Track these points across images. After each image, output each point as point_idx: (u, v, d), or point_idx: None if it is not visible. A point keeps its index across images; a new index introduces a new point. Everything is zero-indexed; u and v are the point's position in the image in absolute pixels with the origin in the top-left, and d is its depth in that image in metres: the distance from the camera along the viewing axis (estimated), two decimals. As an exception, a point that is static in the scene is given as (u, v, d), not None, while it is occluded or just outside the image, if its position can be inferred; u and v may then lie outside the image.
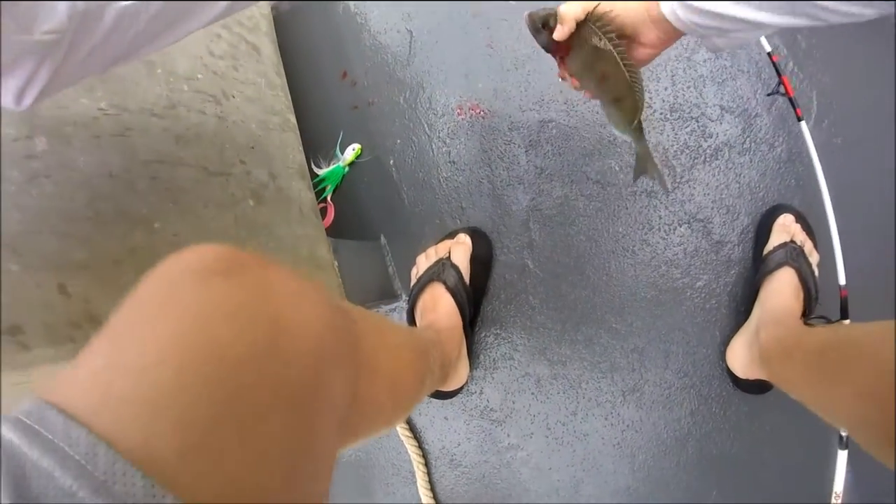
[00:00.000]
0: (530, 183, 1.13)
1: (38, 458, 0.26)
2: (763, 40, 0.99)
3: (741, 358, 0.94)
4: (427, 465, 1.14)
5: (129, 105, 0.70)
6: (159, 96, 0.76)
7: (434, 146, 1.21)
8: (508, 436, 1.10)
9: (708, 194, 1.04)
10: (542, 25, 0.70)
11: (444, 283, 1.00)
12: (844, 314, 0.90)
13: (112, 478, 0.26)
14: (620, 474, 1.04)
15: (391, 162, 1.24)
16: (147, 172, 0.68)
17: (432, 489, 1.14)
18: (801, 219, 0.98)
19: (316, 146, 1.26)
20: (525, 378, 1.10)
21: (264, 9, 1.14)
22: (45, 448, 0.27)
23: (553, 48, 0.72)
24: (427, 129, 1.22)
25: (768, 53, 0.98)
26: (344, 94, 1.31)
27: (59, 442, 0.27)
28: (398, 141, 1.24)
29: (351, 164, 1.27)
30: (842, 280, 0.90)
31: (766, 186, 1.03)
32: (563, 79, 0.78)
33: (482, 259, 1.10)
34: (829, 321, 0.86)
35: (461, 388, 1.09)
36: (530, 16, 0.71)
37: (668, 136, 1.07)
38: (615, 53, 0.67)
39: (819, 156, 0.95)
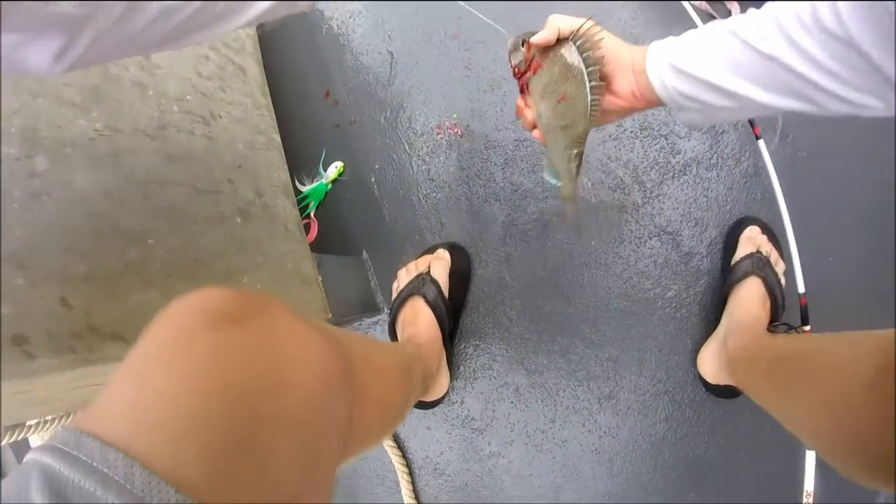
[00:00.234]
0: (506, 199, 1.17)
1: (80, 480, 0.29)
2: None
3: (711, 365, 0.97)
4: (411, 474, 1.16)
5: (123, 126, 0.73)
6: (151, 117, 0.78)
7: (414, 164, 1.25)
8: (489, 444, 1.13)
9: (677, 208, 1.09)
10: (522, 43, 0.68)
11: (424, 296, 1.03)
12: (805, 321, 0.95)
13: (149, 494, 0.29)
14: (599, 479, 1.07)
15: (372, 179, 1.27)
16: (140, 191, 0.71)
17: (417, 498, 1.15)
18: (766, 230, 1.02)
19: (300, 163, 1.29)
20: (504, 387, 1.13)
21: (250, 30, 1.17)
22: (86, 471, 0.30)
23: (523, 67, 0.69)
24: (407, 147, 1.26)
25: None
26: (327, 113, 1.34)
27: (97, 465, 0.30)
28: (379, 159, 1.27)
29: (334, 182, 1.29)
30: (801, 288, 0.95)
31: (733, 200, 1.08)
32: (518, 114, 0.74)
33: (461, 273, 1.13)
34: (790, 328, 0.89)
35: (442, 398, 1.12)
36: (514, 36, 0.69)
37: (637, 153, 1.11)
38: (584, 72, 0.63)
39: (781, 170, 1.00)
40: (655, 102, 0.64)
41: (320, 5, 1.37)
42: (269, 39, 1.35)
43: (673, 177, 1.10)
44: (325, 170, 1.29)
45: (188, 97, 0.88)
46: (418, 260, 1.12)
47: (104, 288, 0.60)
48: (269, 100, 1.14)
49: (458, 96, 1.24)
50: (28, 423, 0.70)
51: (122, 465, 0.30)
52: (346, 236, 1.28)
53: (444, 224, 1.20)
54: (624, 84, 0.64)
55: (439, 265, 1.09)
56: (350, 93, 1.33)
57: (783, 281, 0.96)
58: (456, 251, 1.15)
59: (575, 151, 0.69)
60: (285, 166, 1.09)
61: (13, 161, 0.57)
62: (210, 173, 0.86)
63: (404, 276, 1.10)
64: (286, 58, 1.39)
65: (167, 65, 0.86)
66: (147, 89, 0.80)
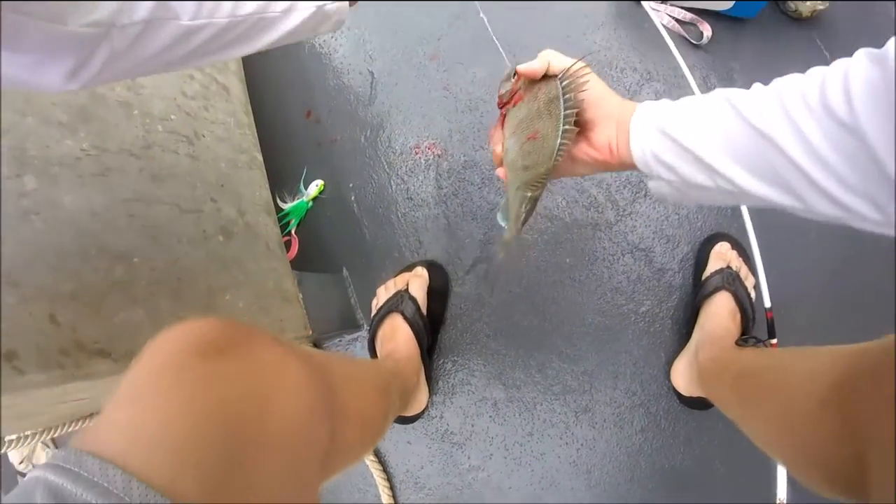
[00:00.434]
0: (483, 218, 1.19)
1: (82, 493, 0.31)
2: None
3: (684, 377, 1.00)
4: (392, 488, 1.16)
5: (109, 146, 0.74)
6: (136, 137, 0.80)
7: (393, 183, 1.27)
8: (469, 458, 1.14)
9: (649, 225, 1.13)
10: (514, 73, 0.65)
11: (403, 313, 1.05)
12: (772, 334, 0.99)
13: None
14: (577, 490, 1.08)
15: (352, 198, 1.29)
16: (126, 210, 0.72)
17: (398, 512, 1.16)
18: (736, 245, 1.05)
19: (281, 181, 1.30)
20: (482, 402, 1.14)
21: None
22: (87, 485, 0.32)
23: (506, 98, 0.67)
24: (387, 166, 1.28)
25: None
26: (308, 131, 1.36)
27: (98, 480, 0.32)
28: (359, 178, 1.29)
29: (314, 200, 1.31)
30: (767, 303, 0.99)
31: (704, 217, 1.12)
32: (490, 142, 0.71)
33: (439, 290, 1.15)
34: (758, 341, 0.92)
35: (422, 412, 1.13)
36: (511, 66, 0.66)
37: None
38: (561, 114, 0.59)
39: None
40: (629, 164, 0.59)
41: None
42: (252, 58, 1.36)
43: (645, 195, 1.14)
44: (306, 188, 1.31)
45: (173, 116, 0.89)
46: (397, 277, 1.14)
47: (91, 305, 0.61)
48: (252, 118, 1.15)
49: (436, 116, 1.27)
50: (8, 438, 0.70)
51: (120, 480, 0.32)
52: (327, 254, 1.29)
53: (422, 242, 1.22)
54: (603, 135, 0.60)
55: (417, 282, 1.10)
56: (331, 112, 1.35)
57: (753, 295, 0.99)
58: (434, 269, 1.17)
59: (529, 195, 0.64)
60: (267, 185, 1.11)
61: (4, 180, 0.58)
62: (193, 192, 0.87)
63: (383, 294, 1.11)
64: (269, 77, 1.40)
65: (153, 84, 0.87)
66: (132, 109, 0.81)
